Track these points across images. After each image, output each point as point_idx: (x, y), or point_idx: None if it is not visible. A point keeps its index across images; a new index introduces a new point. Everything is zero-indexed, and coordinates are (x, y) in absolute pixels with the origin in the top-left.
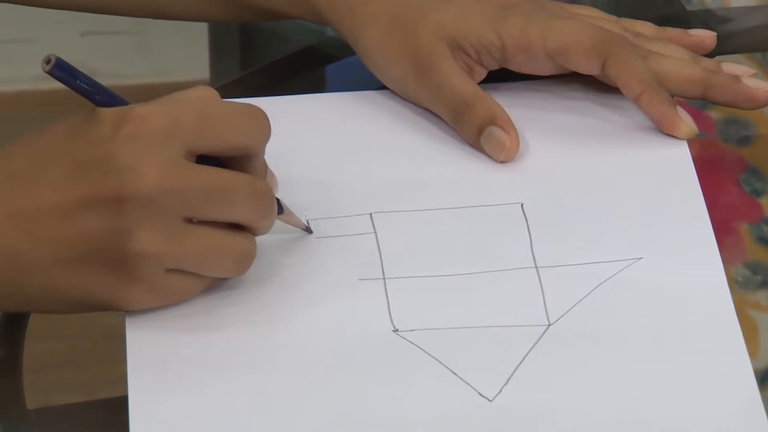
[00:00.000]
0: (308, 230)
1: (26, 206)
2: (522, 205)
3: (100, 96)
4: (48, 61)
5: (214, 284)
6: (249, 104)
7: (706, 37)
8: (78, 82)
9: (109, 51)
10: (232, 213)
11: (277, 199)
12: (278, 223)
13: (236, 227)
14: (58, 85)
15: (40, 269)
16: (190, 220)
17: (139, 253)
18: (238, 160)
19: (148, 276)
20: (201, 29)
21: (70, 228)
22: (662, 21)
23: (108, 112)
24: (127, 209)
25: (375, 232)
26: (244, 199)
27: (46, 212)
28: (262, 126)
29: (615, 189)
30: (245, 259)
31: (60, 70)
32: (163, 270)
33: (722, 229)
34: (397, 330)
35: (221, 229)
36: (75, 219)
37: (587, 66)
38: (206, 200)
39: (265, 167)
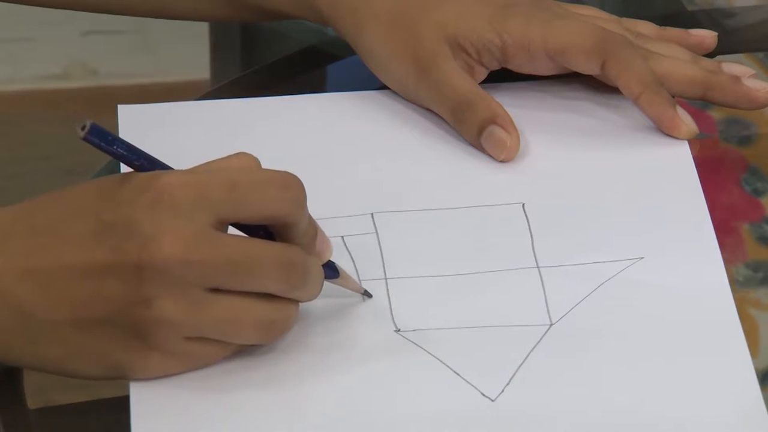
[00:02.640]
0: (367, 294)
1: (45, 263)
2: (523, 205)
3: (138, 161)
4: (83, 128)
5: (240, 350)
6: (284, 172)
7: (706, 37)
8: (114, 147)
9: (109, 50)
10: (259, 284)
11: (333, 263)
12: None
13: (269, 294)
14: (58, 86)
15: (55, 328)
16: (215, 290)
17: (157, 321)
18: (278, 228)
19: (167, 343)
20: (202, 29)
21: (88, 289)
22: (663, 21)
23: (137, 177)
24: (147, 277)
25: (376, 232)
26: (271, 270)
27: (64, 271)
28: (295, 195)
29: (616, 189)
30: (273, 328)
31: (95, 135)
32: (183, 338)
33: (723, 228)
34: (399, 330)
35: (248, 298)
36: (94, 281)
37: (587, 66)
38: (231, 272)
39: (311, 233)
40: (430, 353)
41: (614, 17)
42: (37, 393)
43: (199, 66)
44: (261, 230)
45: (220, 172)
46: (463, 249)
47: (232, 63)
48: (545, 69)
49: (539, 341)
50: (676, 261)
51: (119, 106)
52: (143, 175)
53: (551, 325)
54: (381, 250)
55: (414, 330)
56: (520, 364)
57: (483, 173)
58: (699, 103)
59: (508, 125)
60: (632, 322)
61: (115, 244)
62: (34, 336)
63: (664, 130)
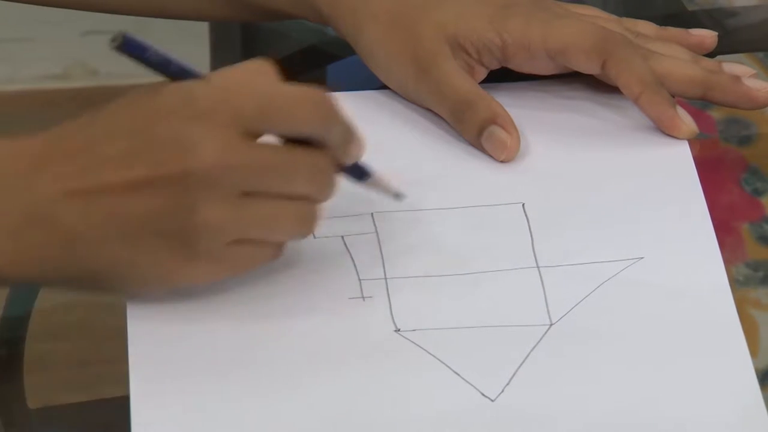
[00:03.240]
0: (399, 196)
1: (87, 184)
2: (523, 205)
3: (171, 69)
4: (115, 39)
5: (279, 253)
6: (313, 89)
7: (707, 36)
8: (147, 55)
9: (109, 50)
10: (291, 187)
11: (362, 165)
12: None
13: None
14: (58, 86)
15: (103, 246)
16: (249, 194)
17: (202, 226)
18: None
19: (213, 248)
20: (202, 29)
21: (132, 204)
22: (663, 21)
23: (168, 90)
24: (189, 185)
25: (376, 231)
26: (301, 174)
27: (107, 190)
28: (324, 112)
29: (616, 189)
30: (308, 222)
31: (129, 47)
32: (227, 242)
33: (723, 228)
34: (398, 330)
35: (282, 198)
36: (137, 196)
37: (587, 65)
38: (265, 176)
39: (344, 138)
40: (430, 353)
41: (614, 17)
42: (37, 393)
43: (199, 66)
44: None
45: (251, 86)
46: (463, 249)
47: (232, 63)
48: (545, 68)
49: (539, 341)
50: (676, 261)
51: None
52: (175, 87)
53: (551, 325)
54: (381, 250)
55: (414, 330)
56: (520, 364)
57: (483, 173)
58: (699, 103)
59: (509, 125)
60: (632, 322)
61: (156, 157)
62: (84, 256)
63: (664, 130)
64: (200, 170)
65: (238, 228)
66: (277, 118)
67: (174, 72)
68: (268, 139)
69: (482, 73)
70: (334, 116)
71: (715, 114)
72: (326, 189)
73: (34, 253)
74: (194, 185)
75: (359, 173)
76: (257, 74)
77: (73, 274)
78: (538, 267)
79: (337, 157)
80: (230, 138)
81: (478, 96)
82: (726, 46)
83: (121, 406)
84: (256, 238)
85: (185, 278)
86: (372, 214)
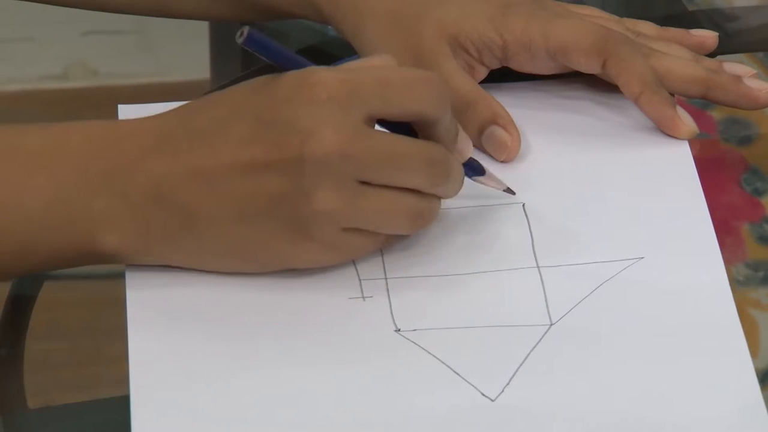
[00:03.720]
0: (509, 191)
1: (208, 163)
2: (523, 205)
3: (292, 65)
4: (241, 34)
5: (390, 242)
6: (428, 72)
7: (707, 37)
8: (270, 54)
9: (110, 50)
10: (405, 179)
11: (477, 162)
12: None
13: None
14: (58, 86)
15: (220, 225)
16: (365, 183)
17: (317, 212)
18: (423, 125)
19: (325, 234)
20: (202, 28)
21: (249, 185)
22: (664, 21)
23: (290, 76)
24: (307, 170)
25: None
26: (417, 167)
27: (226, 169)
28: (442, 93)
29: (616, 189)
30: (420, 218)
31: (252, 43)
32: (340, 229)
33: (723, 228)
34: (399, 330)
35: (396, 190)
36: (255, 177)
37: (588, 65)
38: (381, 166)
39: (453, 132)
40: (430, 353)
41: (615, 17)
42: (37, 393)
43: (199, 66)
44: (404, 128)
45: (371, 69)
46: (464, 249)
47: (232, 62)
48: (546, 68)
49: (539, 341)
50: (676, 261)
51: (119, 106)
52: (297, 73)
53: (551, 325)
54: (381, 250)
55: (414, 330)
56: (520, 364)
57: None
58: (699, 103)
59: (509, 125)
60: (632, 322)
61: (276, 140)
62: (200, 233)
63: (664, 130)
64: (318, 156)
65: (350, 217)
66: (396, 97)
67: (293, 67)
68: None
69: (483, 73)
70: (448, 99)
71: (716, 114)
72: (441, 183)
73: (156, 232)
74: (311, 171)
75: (475, 169)
76: (378, 65)
77: (193, 252)
78: (538, 267)
79: (450, 150)
80: (349, 124)
81: (478, 96)
82: (726, 47)
83: (121, 406)
84: (367, 229)
85: (299, 260)
86: None
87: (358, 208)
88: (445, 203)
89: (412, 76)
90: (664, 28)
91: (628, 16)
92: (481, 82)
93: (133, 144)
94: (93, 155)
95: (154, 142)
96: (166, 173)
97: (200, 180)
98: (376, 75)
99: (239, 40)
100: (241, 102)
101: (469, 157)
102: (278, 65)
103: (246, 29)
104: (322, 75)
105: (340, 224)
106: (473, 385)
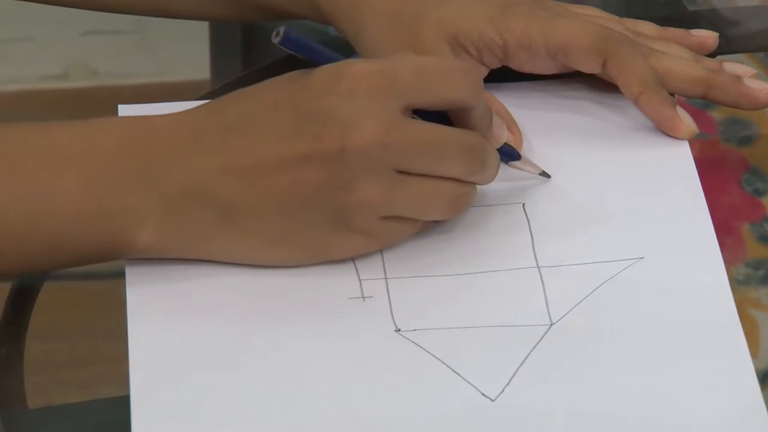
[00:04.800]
0: (545, 175)
1: (245, 159)
2: (523, 205)
3: (327, 61)
4: (277, 34)
5: (427, 227)
6: (461, 61)
7: (707, 37)
8: (306, 53)
9: (110, 50)
10: (444, 168)
11: (512, 147)
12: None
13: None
14: (58, 86)
15: (260, 218)
16: (403, 172)
17: (358, 203)
18: (458, 113)
19: (366, 224)
20: (202, 28)
21: (289, 178)
22: (664, 21)
23: (326, 69)
24: (348, 161)
25: None
26: (455, 155)
27: (265, 164)
28: (476, 81)
29: (616, 189)
30: (458, 204)
31: (288, 42)
32: (379, 217)
33: (723, 229)
34: (399, 330)
35: (434, 179)
36: (295, 170)
37: (588, 64)
38: (420, 155)
39: (488, 119)
40: (430, 353)
41: (615, 17)
42: (37, 393)
43: (199, 66)
44: (439, 117)
45: (406, 59)
46: (464, 249)
47: (232, 63)
48: (546, 68)
49: (539, 341)
50: (676, 261)
51: (119, 106)
52: (333, 65)
53: (551, 325)
54: (381, 250)
55: (414, 330)
56: (520, 364)
57: None
58: (699, 103)
59: (511, 125)
60: (632, 322)
61: (317, 132)
62: (238, 227)
63: (664, 130)
64: (358, 147)
65: (391, 206)
66: (433, 87)
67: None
68: None
69: (483, 73)
70: (481, 87)
71: (716, 114)
72: (478, 171)
73: (191, 227)
74: (351, 162)
75: (510, 154)
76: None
77: (229, 246)
78: (538, 267)
79: (485, 137)
80: (388, 115)
81: None
82: (726, 47)
83: (121, 406)
84: (407, 216)
85: (339, 251)
86: None
87: (397, 197)
88: None
89: (447, 66)
90: (664, 28)
91: (628, 17)
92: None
93: (167, 139)
94: (124, 152)
95: (189, 137)
96: (201, 169)
97: (238, 175)
98: (412, 65)
99: (275, 41)
100: (278, 95)
101: (504, 142)
102: (316, 63)
103: (281, 29)
104: (359, 66)
105: (379, 213)
106: (473, 385)
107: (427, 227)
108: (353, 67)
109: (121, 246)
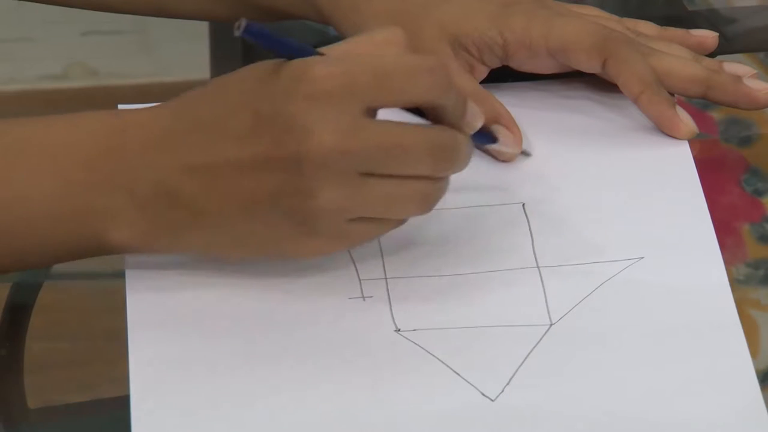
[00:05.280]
0: (526, 153)
1: (209, 159)
2: (523, 205)
3: (290, 53)
4: (239, 26)
5: (399, 225)
6: (429, 57)
7: (707, 37)
8: (269, 44)
9: (109, 50)
10: (410, 169)
11: (488, 130)
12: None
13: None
14: (58, 85)
15: (224, 218)
16: (368, 174)
17: (320, 209)
18: (427, 109)
19: (331, 228)
20: (202, 28)
21: (252, 180)
22: (664, 21)
23: (289, 68)
24: (307, 169)
25: None
26: (420, 156)
27: (228, 165)
28: (441, 80)
29: (616, 189)
30: (428, 200)
31: (251, 33)
32: (345, 220)
33: (723, 229)
34: (399, 330)
35: (401, 178)
36: (255, 174)
37: (588, 64)
38: (383, 158)
39: (461, 110)
40: (430, 353)
41: (615, 17)
42: (37, 393)
43: (199, 66)
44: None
45: (368, 59)
46: (464, 249)
47: (232, 63)
48: (546, 67)
49: (539, 341)
50: (676, 261)
51: (119, 107)
52: (295, 65)
53: (551, 325)
54: (381, 250)
55: (414, 330)
56: (520, 364)
57: (484, 173)
58: (700, 103)
59: (511, 125)
60: (632, 322)
61: (276, 138)
62: (206, 227)
63: (664, 130)
64: (317, 154)
65: (356, 209)
66: (394, 89)
67: (294, 55)
68: (387, 114)
69: (483, 72)
70: (450, 83)
71: (716, 114)
72: (451, 164)
73: (162, 225)
74: (310, 170)
75: (487, 138)
76: (382, 45)
77: (200, 244)
78: (538, 267)
79: (458, 128)
80: (347, 120)
81: (480, 95)
82: (726, 47)
83: (121, 406)
84: (375, 217)
85: (306, 252)
86: None
87: (362, 200)
88: (445, 203)
89: (411, 65)
90: (664, 28)
91: (627, 17)
92: (482, 82)
93: (138, 137)
94: (98, 149)
95: (158, 135)
96: (168, 168)
97: (202, 175)
98: (374, 65)
99: (237, 32)
100: (243, 95)
101: (479, 127)
102: (279, 54)
103: (243, 20)
104: (318, 69)
105: (345, 217)
106: (473, 385)
107: (399, 225)
108: (314, 69)
109: (96, 244)
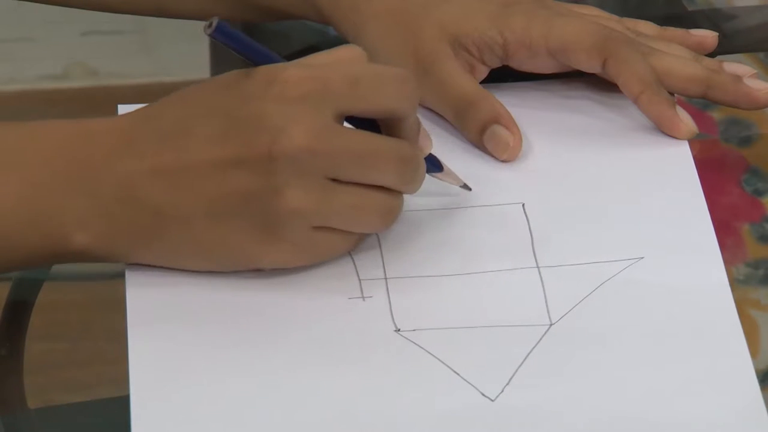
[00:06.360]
0: (466, 187)
1: (176, 162)
2: (523, 205)
3: (259, 58)
4: (210, 25)
5: (360, 241)
6: (398, 68)
7: (707, 37)
8: (238, 46)
9: (109, 50)
10: (377, 177)
11: (436, 158)
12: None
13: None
14: (58, 85)
15: (190, 224)
16: (335, 181)
17: (287, 211)
18: (388, 121)
19: (295, 233)
20: (202, 28)
21: (219, 184)
22: (663, 21)
23: (260, 72)
24: (277, 168)
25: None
26: (388, 164)
27: (195, 168)
28: (411, 90)
29: (616, 189)
30: (390, 215)
31: (221, 33)
32: (310, 228)
33: (723, 229)
34: (399, 330)
35: (366, 188)
36: (225, 175)
37: (588, 64)
38: (352, 163)
39: (417, 129)
40: (429, 353)
41: (615, 17)
42: (37, 393)
43: (199, 66)
44: (369, 124)
45: (341, 66)
46: (463, 249)
47: (232, 63)
48: (546, 67)
49: (539, 341)
50: (676, 261)
51: (119, 106)
52: (267, 69)
53: (551, 325)
54: (381, 250)
55: (414, 330)
56: (520, 364)
57: (483, 173)
58: (700, 103)
59: (511, 125)
60: (632, 322)
61: (246, 138)
62: (169, 232)
63: (664, 130)
64: (287, 154)
65: (321, 214)
66: (366, 94)
67: (260, 60)
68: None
69: (483, 72)
70: (416, 95)
71: (716, 114)
72: (412, 180)
73: (125, 230)
74: (280, 168)
75: (434, 165)
76: (347, 59)
77: (163, 251)
78: (538, 267)
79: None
80: (319, 122)
81: (480, 95)
82: (726, 47)
83: (121, 406)
84: (338, 228)
85: (269, 260)
86: None
87: (328, 205)
88: (446, 203)
89: (382, 73)
90: (663, 27)
91: (627, 17)
92: (482, 82)
93: (103, 143)
94: (63, 155)
95: (123, 141)
96: (134, 173)
97: (169, 179)
98: (346, 72)
99: (207, 32)
100: (211, 99)
101: (429, 152)
102: (247, 59)
103: (215, 20)
104: (291, 72)
105: (310, 222)
106: (473, 385)
107: (358, 244)
108: (286, 72)
109: (60, 249)
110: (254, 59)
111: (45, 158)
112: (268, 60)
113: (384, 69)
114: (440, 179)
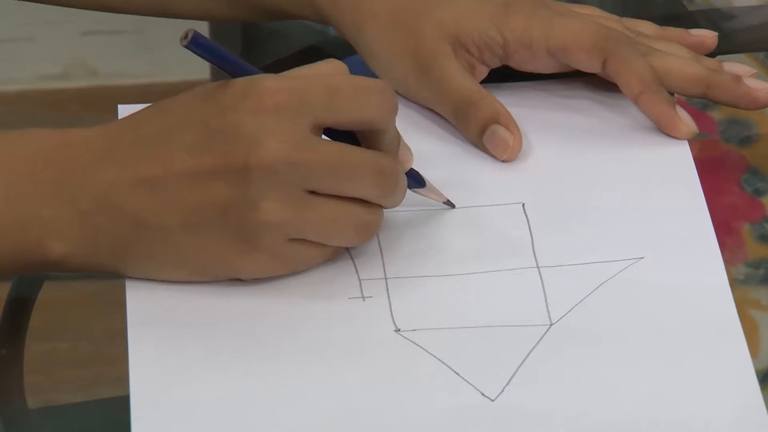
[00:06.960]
0: (450, 204)
1: (155, 172)
2: (523, 205)
3: (235, 69)
4: (185, 36)
5: (337, 254)
6: (377, 80)
7: (707, 36)
8: (214, 58)
9: (109, 50)
10: (354, 189)
11: (418, 173)
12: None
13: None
14: (58, 86)
15: (168, 234)
16: (313, 193)
17: (263, 222)
18: (367, 134)
19: (271, 245)
20: (202, 29)
21: (196, 194)
22: (663, 21)
23: (237, 83)
24: (253, 179)
25: None
26: (366, 177)
27: (173, 177)
28: (390, 102)
29: (616, 188)
30: (367, 230)
31: (196, 45)
32: (286, 239)
33: (723, 229)
34: (399, 330)
35: (344, 201)
36: (201, 185)
37: (588, 64)
38: (329, 175)
39: (396, 142)
40: (430, 353)
41: (615, 16)
42: (37, 393)
43: (199, 66)
44: (347, 136)
45: (319, 77)
46: (464, 249)
47: None
48: (546, 66)
49: (539, 341)
50: (676, 261)
51: (119, 106)
52: (244, 81)
53: (551, 325)
54: (381, 250)
55: (414, 330)
56: (520, 364)
57: (484, 173)
58: (700, 103)
59: (511, 124)
60: (632, 322)
61: (223, 149)
62: (148, 243)
63: (664, 130)
64: (263, 164)
65: (298, 226)
66: (345, 106)
67: (237, 71)
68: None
69: (483, 72)
70: (395, 108)
71: (716, 114)
72: (390, 194)
73: (104, 239)
74: (256, 180)
75: (416, 181)
76: (327, 72)
77: (141, 261)
78: (538, 267)
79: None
80: (296, 133)
81: (480, 95)
82: (726, 47)
83: (121, 406)
84: (314, 240)
85: (245, 271)
86: None
87: (304, 217)
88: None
89: (360, 85)
90: (663, 27)
91: (627, 16)
92: (482, 82)
93: (82, 152)
94: (42, 163)
95: (103, 150)
96: (113, 182)
97: (147, 188)
98: (324, 83)
99: (183, 43)
100: (189, 110)
101: (410, 167)
102: (223, 70)
103: (190, 31)
104: (268, 83)
105: (286, 234)
106: (473, 385)
107: (336, 256)
108: (263, 83)
109: (37, 257)
110: (231, 71)
111: (23, 167)
112: (245, 72)
113: (362, 80)
114: (423, 195)
